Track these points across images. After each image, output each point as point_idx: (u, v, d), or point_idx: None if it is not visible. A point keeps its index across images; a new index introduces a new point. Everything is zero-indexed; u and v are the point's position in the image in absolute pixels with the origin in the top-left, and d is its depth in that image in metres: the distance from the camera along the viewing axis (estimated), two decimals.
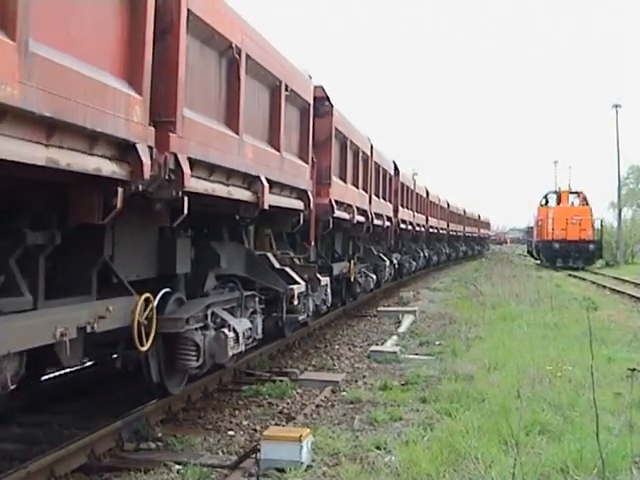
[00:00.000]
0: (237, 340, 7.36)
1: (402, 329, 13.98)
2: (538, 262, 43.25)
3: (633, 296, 21.46)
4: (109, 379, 7.98)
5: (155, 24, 5.14)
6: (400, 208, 21.61)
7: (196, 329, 6.85)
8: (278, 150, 8.38)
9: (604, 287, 25.76)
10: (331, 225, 12.43)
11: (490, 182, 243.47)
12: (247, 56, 7.09)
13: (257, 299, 8.63)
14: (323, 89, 11.69)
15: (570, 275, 32.93)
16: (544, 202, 43.04)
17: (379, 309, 17.20)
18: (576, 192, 43.03)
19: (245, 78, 7.10)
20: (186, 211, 5.94)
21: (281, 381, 8.98)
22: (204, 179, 6.21)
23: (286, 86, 8.53)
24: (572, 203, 42.50)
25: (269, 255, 9.61)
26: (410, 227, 23.99)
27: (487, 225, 73.08)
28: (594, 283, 27.87)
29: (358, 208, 14.56)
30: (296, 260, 10.77)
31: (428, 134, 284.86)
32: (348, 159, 14.00)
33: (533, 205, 46.82)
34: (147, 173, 4.96)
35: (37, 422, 6.64)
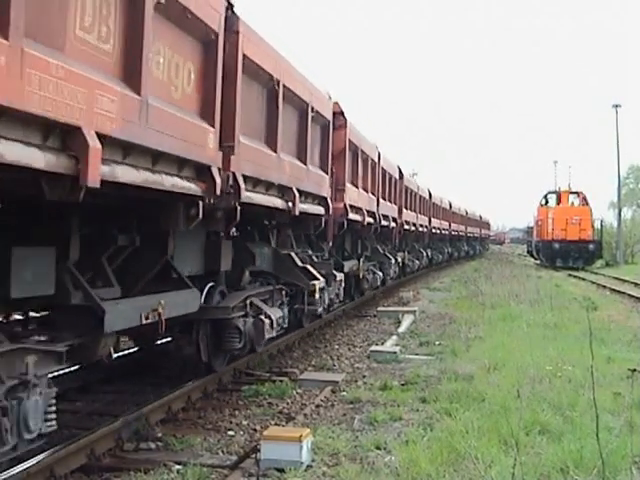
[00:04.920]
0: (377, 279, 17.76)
1: (402, 329, 13.97)
2: (538, 262, 43.22)
3: (633, 296, 21.46)
4: None
5: None
6: (432, 219, 30.79)
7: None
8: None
9: (604, 287, 25.75)
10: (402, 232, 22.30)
11: (490, 182, 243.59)
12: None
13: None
14: (399, 169, 21.80)
15: (570, 275, 32.91)
16: (544, 202, 42.99)
17: (379, 309, 17.18)
18: (576, 192, 42.98)
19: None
20: None
21: (281, 381, 8.97)
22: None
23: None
24: (572, 203, 42.46)
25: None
26: (438, 231, 33.32)
27: (488, 225, 75.07)
28: (594, 283, 27.86)
29: (421, 224, 25.98)
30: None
31: (428, 134, 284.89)
32: (409, 198, 23.89)
33: (533, 205, 46.92)
34: None
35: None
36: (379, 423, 7.11)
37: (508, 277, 26.04)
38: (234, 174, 6.87)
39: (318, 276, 10.82)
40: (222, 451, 6.39)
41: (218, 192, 6.37)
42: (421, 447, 6.00)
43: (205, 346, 8.17)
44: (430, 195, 30.82)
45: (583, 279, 30.21)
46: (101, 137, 4.35)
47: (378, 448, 6.24)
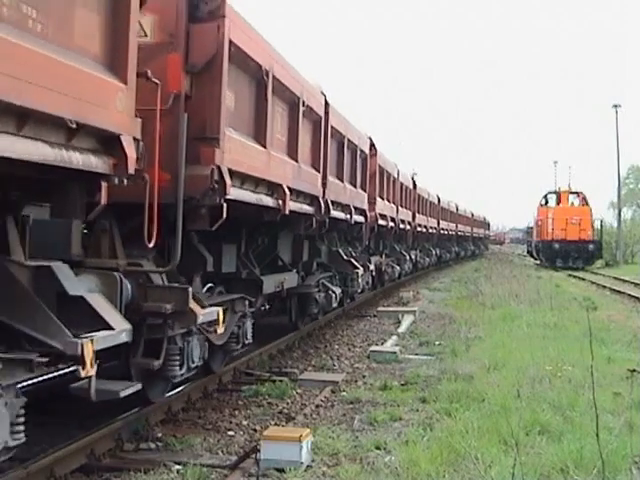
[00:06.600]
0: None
1: (402, 329, 13.99)
2: (538, 262, 43.24)
3: (633, 296, 21.47)
4: None
5: None
6: (441, 221, 34.51)
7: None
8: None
9: (604, 287, 25.76)
10: (413, 234, 25.62)
11: (490, 182, 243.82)
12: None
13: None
14: (413, 180, 25.70)
15: (570, 275, 32.93)
16: (544, 202, 43.00)
17: (379, 309, 17.20)
18: (576, 192, 42.98)
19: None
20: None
21: (281, 381, 8.97)
22: None
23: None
24: (572, 203, 42.45)
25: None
26: (446, 232, 37.44)
27: (488, 226, 76.09)
28: (594, 283, 27.87)
29: (431, 226, 30.14)
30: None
31: (428, 134, 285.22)
32: (421, 204, 27.85)
33: (533, 205, 46.97)
34: None
35: None
36: (379, 423, 7.11)
37: (508, 277, 26.05)
38: (327, 200, 11.15)
39: (358, 266, 14.41)
40: (222, 451, 6.39)
41: (323, 212, 10.73)
42: (421, 447, 5.99)
43: (295, 311, 12.02)
44: (439, 200, 34.70)
45: (583, 279, 30.22)
46: (288, 187, 8.63)
47: (378, 448, 6.24)
